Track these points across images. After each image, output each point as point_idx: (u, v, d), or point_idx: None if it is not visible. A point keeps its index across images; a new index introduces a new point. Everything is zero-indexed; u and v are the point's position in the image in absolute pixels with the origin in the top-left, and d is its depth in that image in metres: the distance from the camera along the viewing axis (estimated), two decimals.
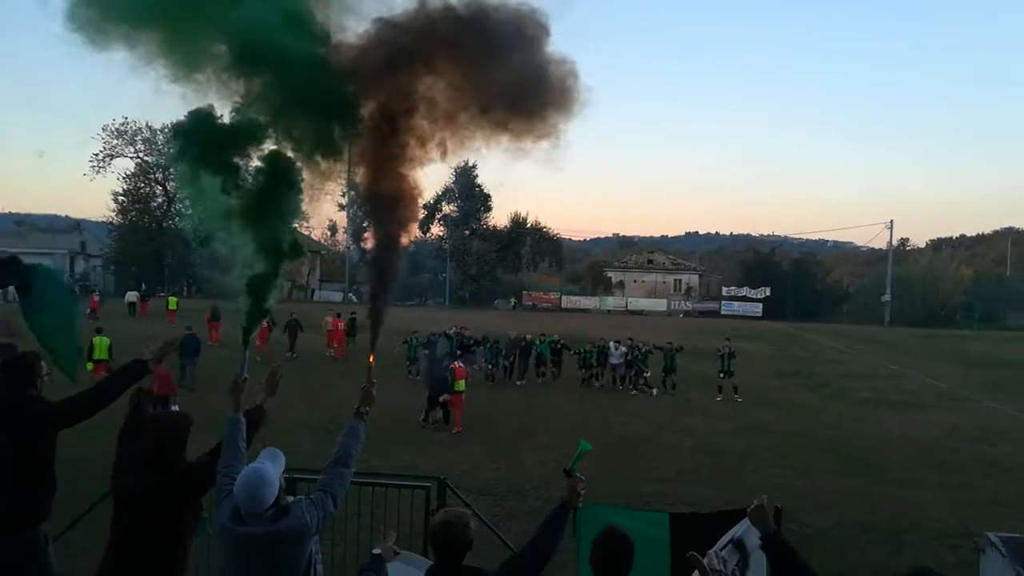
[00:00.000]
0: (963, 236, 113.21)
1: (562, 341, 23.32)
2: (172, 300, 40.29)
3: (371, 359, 5.18)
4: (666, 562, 5.39)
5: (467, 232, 70.58)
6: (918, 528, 10.41)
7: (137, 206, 65.85)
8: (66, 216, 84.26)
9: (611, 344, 22.68)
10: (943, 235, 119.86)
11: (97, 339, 17.27)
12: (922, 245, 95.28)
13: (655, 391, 21.33)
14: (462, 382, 15.94)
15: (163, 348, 4.78)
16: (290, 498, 3.57)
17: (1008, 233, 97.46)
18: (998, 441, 16.42)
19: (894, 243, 63.62)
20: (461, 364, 16.64)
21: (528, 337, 23.22)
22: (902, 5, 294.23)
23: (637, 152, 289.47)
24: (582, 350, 22.74)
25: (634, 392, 21.47)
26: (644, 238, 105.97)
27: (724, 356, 21.26)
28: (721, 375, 21.08)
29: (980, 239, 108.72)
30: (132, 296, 43.74)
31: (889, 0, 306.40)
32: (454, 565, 3.39)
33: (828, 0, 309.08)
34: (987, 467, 14.06)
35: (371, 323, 5.14)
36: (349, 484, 3.88)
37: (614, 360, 22.32)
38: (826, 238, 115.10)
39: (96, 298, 38.97)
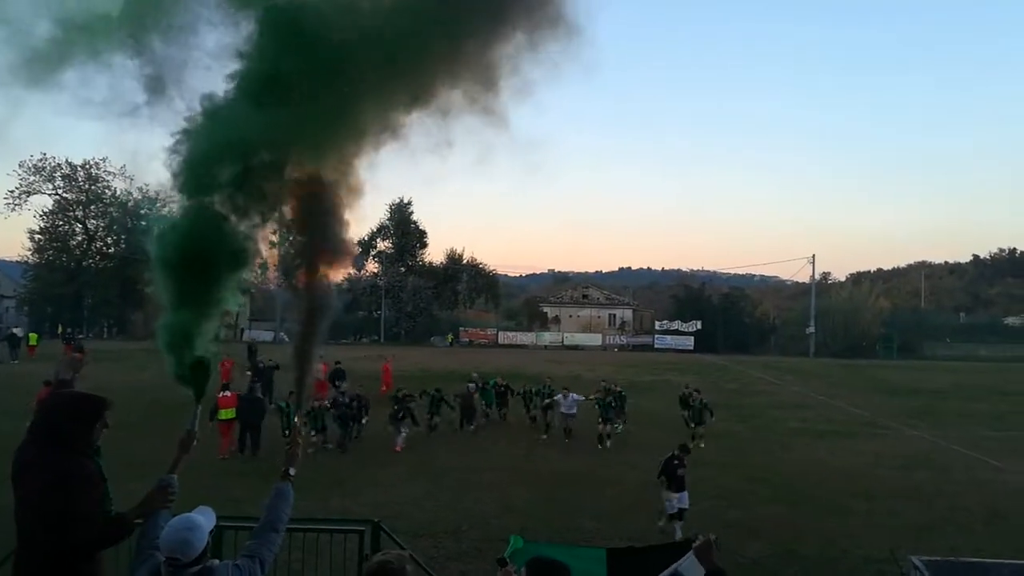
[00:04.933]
0: (880, 269, 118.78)
1: (505, 383, 22.05)
2: (32, 336, 41.04)
3: (296, 420, 5.09)
4: None
5: (402, 269, 70.14)
6: (848, 555, 10.67)
7: (55, 244, 63.17)
8: None
9: (560, 395, 19.67)
10: (862, 269, 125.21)
11: None
12: (843, 279, 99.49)
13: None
14: (224, 411, 16.15)
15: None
16: (215, 562, 3.41)
17: (921, 267, 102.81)
18: (919, 467, 17.03)
19: (816, 277, 66.11)
20: (228, 394, 16.55)
21: (471, 387, 21.04)
22: (820, 42, 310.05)
23: (570, 188, 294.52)
24: (527, 391, 21.33)
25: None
26: (578, 274, 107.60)
27: (695, 408, 19.51)
28: (691, 426, 19.31)
29: (896, 272, 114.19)
30: (18, 331, 41.25)
31: (807, 35, 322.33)
32: None
33: (750, 35, 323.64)
34: (910, 493, 14.55)
35: (296, 381, 4.98)
36: (278, 548, 3.77)
37: (564, 409, 19.41)
38: (753, 272, 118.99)
39: None
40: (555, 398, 19.67)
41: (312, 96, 4.45)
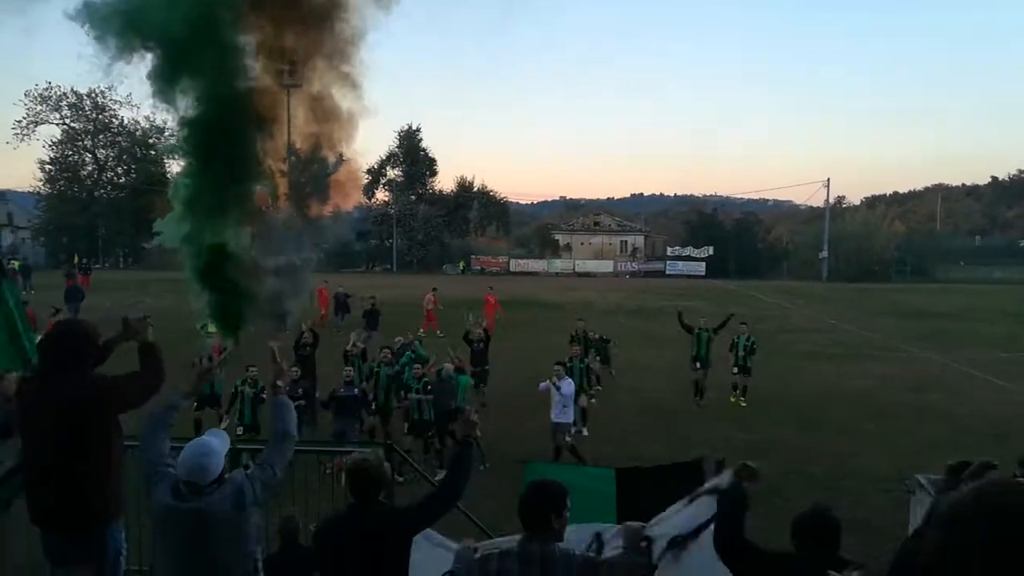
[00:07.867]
0: (896, 193, 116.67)
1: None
2: (17, 264, 41.12)
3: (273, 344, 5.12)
4: (612, 516, 5.49)
5: (413, 197, 69.68)
6: (855, 474, 10.84)
7: (66, 175, 63.07)
8: None
9: (548, 381, 11.33)
10: (877, 192, 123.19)
11: None
12: (857, 202, 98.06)
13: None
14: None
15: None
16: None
17: (938, 189, 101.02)
18: (929, 389, 17.12)
19: (831, 201, 65.27)
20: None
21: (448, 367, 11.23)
22: None
23: (583, 115, 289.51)
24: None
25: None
26: (590, 200, 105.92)
27: (738, 344, 15.76)
28: (735, 371, 15.63)
29: (912, 195, 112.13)
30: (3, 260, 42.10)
31: None
32: (370, 502, 3.45)
33: None
34: (919, 414, 14.67)
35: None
36: (292, 453, 3.89)
37: (555, 414, 11.22)
38: (767, 197, 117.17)
39: None
40: (552, 379, 11.22)
41: None
